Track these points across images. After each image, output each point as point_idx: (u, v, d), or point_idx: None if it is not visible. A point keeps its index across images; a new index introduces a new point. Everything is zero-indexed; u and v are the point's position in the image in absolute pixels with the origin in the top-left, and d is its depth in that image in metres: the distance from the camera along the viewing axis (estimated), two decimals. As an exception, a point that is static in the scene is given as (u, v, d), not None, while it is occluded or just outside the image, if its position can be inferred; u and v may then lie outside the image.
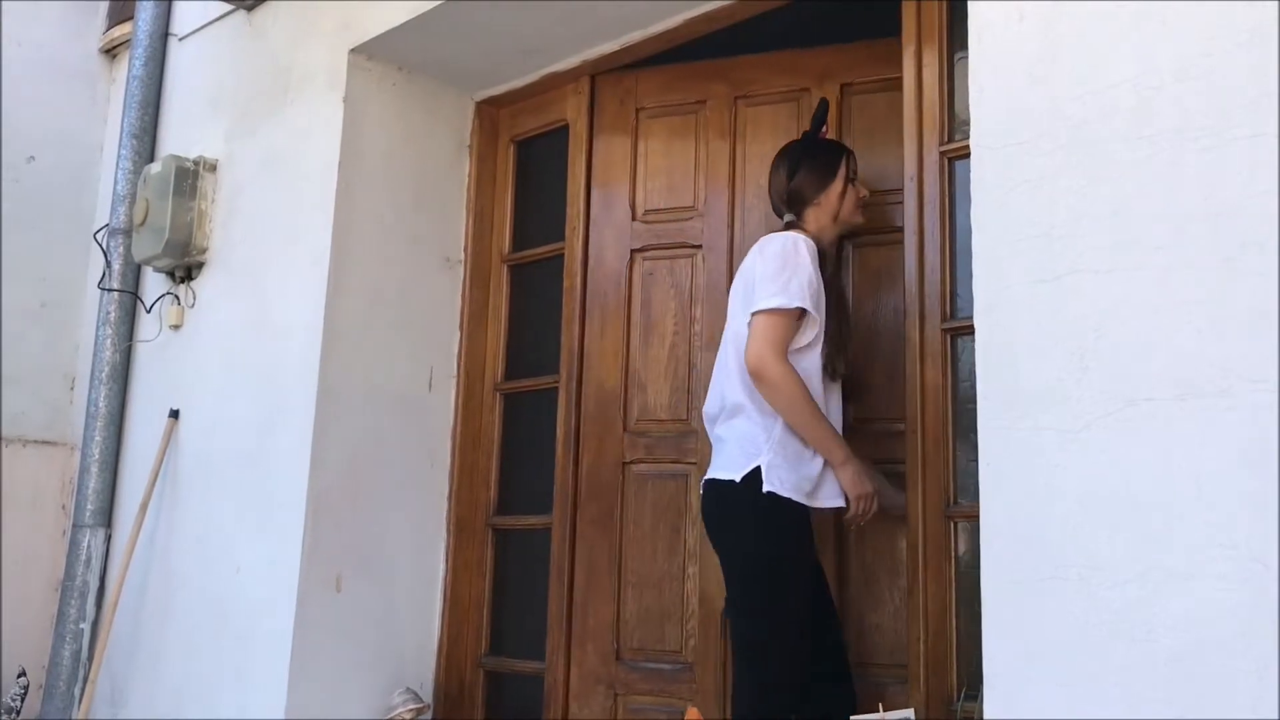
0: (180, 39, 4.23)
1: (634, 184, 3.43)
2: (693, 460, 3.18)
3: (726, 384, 2.69)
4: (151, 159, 4.10)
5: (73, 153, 4.51)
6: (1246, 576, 1.67)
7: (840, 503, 2.63)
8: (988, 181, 2.06)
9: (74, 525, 3.97)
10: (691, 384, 3.23)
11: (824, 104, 2.92)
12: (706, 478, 2.68)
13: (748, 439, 2.60)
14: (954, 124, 2.67)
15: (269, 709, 3.24)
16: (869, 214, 2.89)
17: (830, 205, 2.79)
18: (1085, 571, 1.82)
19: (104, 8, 4.69)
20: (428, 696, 3.49)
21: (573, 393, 3.38)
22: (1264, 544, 1.66)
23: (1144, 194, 1.86)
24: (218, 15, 4.04)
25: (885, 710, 2.44)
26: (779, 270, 2.59)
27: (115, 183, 4.11)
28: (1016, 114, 2.03)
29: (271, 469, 3.43)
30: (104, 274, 4.06)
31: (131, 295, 4.05)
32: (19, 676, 3.90)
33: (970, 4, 2.15)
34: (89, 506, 3.92)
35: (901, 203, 2.72)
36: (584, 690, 3.24)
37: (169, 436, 3.79)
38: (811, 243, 2.68)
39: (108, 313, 4.03)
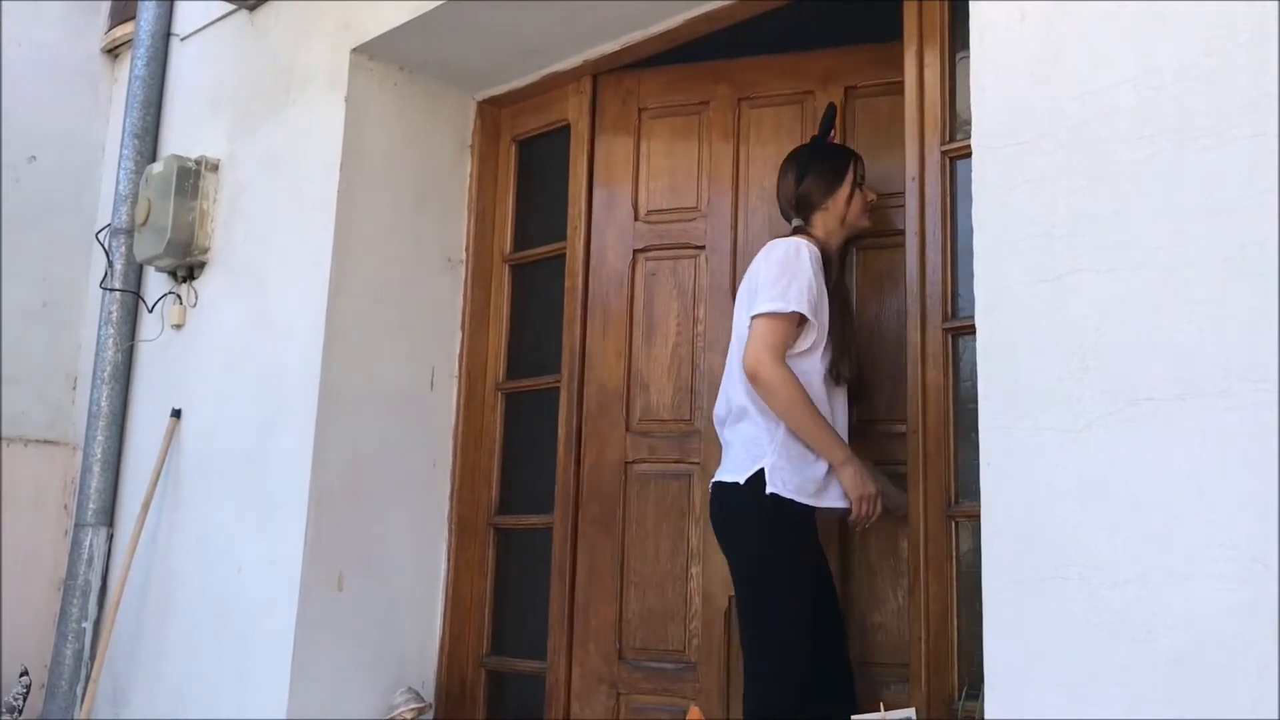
0: (182, 39, 4.23)
1: (636, 184, 3.43)
2: (695, 460, 3.18)
3: (732, 388, 2.72)
4: (153, 159, 4.10)
5: (74, 153, 4.52)
6: (1247, 576, 1.67)
7: (844, 504, 2.64)
8: (989, 181, 2.06)
9: (76, 525, 3.97)
10: (694, 384, 3.23)
11: (831, 109, 2.94)
12: (713, 480, 2.72)
13: (752, 442, 2.63)
14: (955, 124, 2.67)
15: (270, 708, 3.24)
16: (874, 217, 2.90)
17: (838, 209, 2.80)
18: (1086, 571, 1.83)
19: (106, 8, 4.69)
20: (429, 696, 3.49)
21: (574, 392, 3.38)
22: (1264, 544, 1.66)
23: (1144, 194, 1.86)
24: (219, 15, 4.04)
25: (886, 710, 2.44)
26: (779, 275, 2.62)
27: (117, 182, 4.11)
28: (1018, 114, 2.03)
29: (273, 468, 3.43)
30: (106, 274, 4.06)
31: (133, 295, 4.06)
32: (21, 675, 3.91)
33: (972, 4, 2.15)
34: (91, 506, 3.93)
35: (904, 205, 2.73)
36: (586, 690, 3.24)
37: (171, 436, 3.79)
38: (815, 249, 2.69)
39: (109, 312, 4.03)
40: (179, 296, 3.93)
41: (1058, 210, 1.95)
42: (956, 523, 2.51)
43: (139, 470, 3.91)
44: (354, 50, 3.52)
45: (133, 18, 4.32)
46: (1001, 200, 2.03)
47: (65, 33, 4.58)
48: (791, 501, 2.56)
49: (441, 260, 3.70)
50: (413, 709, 3.31)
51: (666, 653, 3.15)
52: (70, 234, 4.43)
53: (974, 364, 2.05)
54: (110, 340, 4.01)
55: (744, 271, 2.79)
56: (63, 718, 3.75)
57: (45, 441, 4.32)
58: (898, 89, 2.80)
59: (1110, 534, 1.81)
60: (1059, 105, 1.98)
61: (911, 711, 2.44)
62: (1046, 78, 2.01)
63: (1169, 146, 1.84)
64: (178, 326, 3.90)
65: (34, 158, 4.41)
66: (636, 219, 3.41)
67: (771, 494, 2.56)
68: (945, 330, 2.57)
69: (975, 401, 2.05)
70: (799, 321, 2.62)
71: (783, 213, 2.89)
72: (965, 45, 2.25)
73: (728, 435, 2.72)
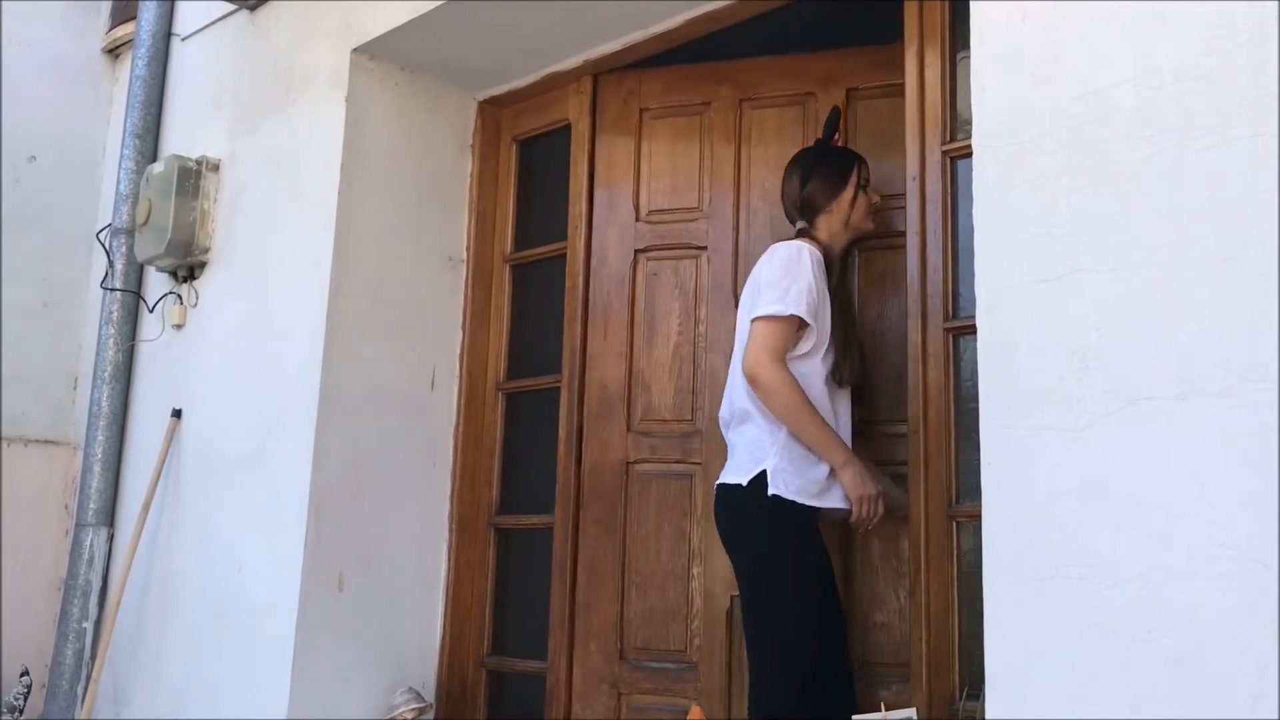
0: (183, 39, 4.23)
1: (638, 184, 3.43)
2: (697, 460, 3.18)
3: (735, 391, 2.74)
4: (154, 159, 4.10)
5: (75, 153, 4.51)
6: (1247, 576, 1.67)
7: (846, 505, 2.64)
8: (989, 181, 2.06)
9: (76, 525, 3.97)
10: (696, 385, 3.23)
11: (836, 112, 2.97)
12: (718, 482, 2.74)
13: (755, 443, 2.65)
14: (956, 123, 2.67)
15: (271, 708, 3.24)
16: (877, 220, 2.91)
17: (842, 212, 2.82)
18: (1086, 571, 1.83)
19: (106, 8, 4.69)
20: (430, 696, 3.49)
21: (575, 392, 3.38)
22: (1265, 543, 1.66)
23: (1145, 193, 1.86)
24: (220, 15, 4.04)
25: (887, 710, 2.44)
26: (780, 278, 2.64)
27: (118, 182, 4.11)
28: (1018, 113, 2.04)
29: (274, 468, 3.43)
30: (106, 274, 4.06)
31: (134, 295, 4.06)
32: (22, 675, 3.91)
33: (972, 4, 2.15)
34: (91, 506, 3.93)
35: (905, 207, 2.73)
36: (587, 689, 3.24)
37: (171, 436, 3.79)
38: (818, 252, 2.71)
39: (110, 312, 4.03)
40: (180, 296, 3.93)
41: (1058, 210, 1.95)
42: (957, 522, 2.51)
43: (139, 470, 3.92)
44: (355, 50, 3.52)
45: (133, 18, 4.32)
46: (1002, 200, 2.03)
47: (66, 33, 4.58)
48: (793, 503, 2.58)
49: (442, 260, 3.70)
50: (413, 709, 3.31)
51: (668, 653, 3.15)
52: (71, 234, 4.43)
53: (975, 363, 2.06)
54: (111, 340, 4.01)
55: (746, 272, 2.80)
56: (63, 718, 3.75)
57: (46, 441, 4.32)
58: (899, 91, 2.80)
59: (1111, 533, 1.81)
60: (1060, 105, 1.98)
61: (912, 711, 2.44)
62: (1047, 77, 2.01)
63: (1170, 146, 1.84)
64: (178, 326, 3.90)
65: (35, 158, 4.41)
66: (638, 219, 3.41)
67: (773, 495, 2.57)
68: (946, 330, 2.57)
69: (976, 401, 2.05)
70: (799, 325, 2.63)
71: (787, 215, 2.91)
72: (966, 45, 2.25)
73: (732, 437, 2.75)
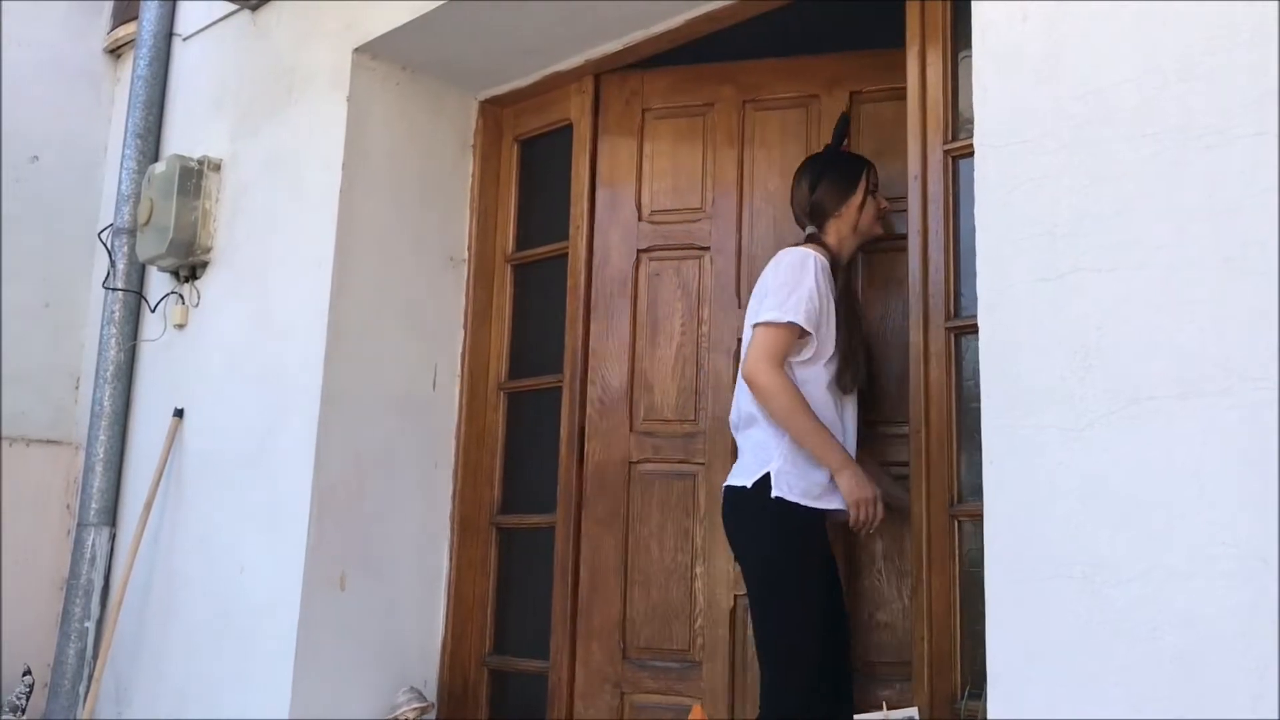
0: (184, 39, 4.23)
1: (640, 184, 3.43)
2: (700, 460, 3.19)
3: (742, 395, 2.77)
4: (156, 158, 4.10)
5: (77, 152, 4.52)
6: (1248, 575, 1.67)
7: (844, 507, 2.65)
8: (991, 180, 2.07)
9: (78, 524, 3.97)
10: (699, 385, 3.24)
11: (845, 117, 2.99)
12: (725, 484, 2.76)
13: (760, 446, 2.68)
14: (958, 123, 2.67)
15: (273, 708, 3.24)
16: (886, 225, 2.93)
17: (850, 217, 2.84)
18: (1088, 570, 1.83)
19: (108, 8, 4.69)
20: (432, 695, 3.49)
21: (576, 392, 3.38)
22: (1265, 543, 1.66)
23: (1146, 193, 1.86)
24: (222, 15, 4.04)
25: (889, 709, 2.44)
26: (783, 285, 2.67)
27: (119, 182, 4.11)
28: (1020, 113, 2.04)
29: (275, 468, 3.44)
30: (108, 273, 4.07)
31: (136, 295, 4.06)
32: (24, 675, 3.91)
33: (974, 4, 2.16)
34: (93, 505, 3.93)
35: (907, 210, 2.73)
36: (589, 689, 3.24)
37: (173, 436, 3.79)
38: (824, 259, 2.73)
39: (112, 312, 4.03)
40: (181, 296, 3.93)
41: (1060, 209, 1.95)
42: (959, 522, 2.51)
43: (141, 470, 3.92)
44: (356, 50, 3.53)
45: (135, 18, 4.32)
46: (1004, 199, 2.04)
47: (67, 32, 4.58)
48: (797, 505, 2.60)
49: (444, 260, 3.70)
50: (415, 708, 3.31)
51: (671, 652, 3.15)
52: (72, 234, 4.43)
53: (976, 363, 2.06)
54: (112, 340, 4.01)
55: (749, 273, 2.82)
56: (65, 717, 3.75)
57: (47, 441, 4.32)
58: (902, 94, 2.80)
59: (1112, 533, 1.81)
60: (1061, 104, 1.98)
61: (914, 710, 2.45)
62: (1049, 77, 2.01)
63: (1171, 146, 1.84)
64: (180, 326, 3.90)
65: (36, 157, 4.41)
66: (640, 219, 3.41)
67: (777, 498, 2.60)
68: (948, 329, 2.57)
69: (978, 400, 2.05)
70: (800, 332, 2.65)
71: (796, 219, 2.93)
72: (968, 45, 2.25)
73: (740, 440, 2.78)
